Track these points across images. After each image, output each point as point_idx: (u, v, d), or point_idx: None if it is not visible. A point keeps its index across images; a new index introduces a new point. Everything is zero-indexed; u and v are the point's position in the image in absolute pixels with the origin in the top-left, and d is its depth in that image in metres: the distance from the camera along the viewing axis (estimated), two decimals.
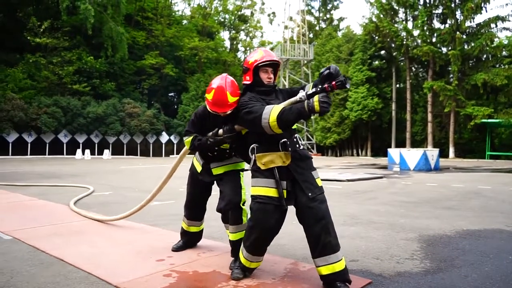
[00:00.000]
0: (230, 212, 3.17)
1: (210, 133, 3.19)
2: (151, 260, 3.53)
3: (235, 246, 3.24)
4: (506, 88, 28.27)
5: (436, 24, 32.49)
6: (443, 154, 27.99)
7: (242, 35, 53.45)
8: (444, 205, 6.95)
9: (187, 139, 3.32)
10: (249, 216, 3.19)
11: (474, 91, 29.94)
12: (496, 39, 29.07)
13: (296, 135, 3.01)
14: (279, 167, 2.85)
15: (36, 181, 11.23)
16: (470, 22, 30.09)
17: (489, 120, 27.95)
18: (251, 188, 2.95)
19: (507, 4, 41.69)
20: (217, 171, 3.39)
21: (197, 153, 3.54)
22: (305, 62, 38.89)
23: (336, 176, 12.45)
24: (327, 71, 2.66)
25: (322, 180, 3.21)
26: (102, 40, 36.00)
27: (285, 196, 2.82)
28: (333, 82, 2.61)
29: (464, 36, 30.08)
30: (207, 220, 4.12)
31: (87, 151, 30.94)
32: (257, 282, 2.98)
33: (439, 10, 31.78)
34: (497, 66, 29.46)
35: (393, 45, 34.29)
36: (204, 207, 3.77)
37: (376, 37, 34.64)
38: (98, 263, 3.43)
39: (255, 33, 53.65)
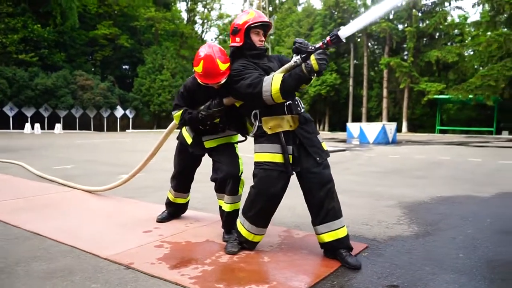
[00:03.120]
0: (227, 182, 3.04)
1: (202, 106, 2.99)
2: (138, 232, 3.35)
3: (229, 218, 3.12)
4: (456, 66, 29.55)
5: None
6: (397, 128, 29.05)
7: (199, 7, 51.88)
8: (412, 174, 7.18)
9: (176, 113, 3.10)
10: (245, 186, 3.10)
11: (427, 68, 31.10)
12: (449, 18, 30.13)
13: (296, 97, 2.89)
14: (284, 131, 2.73)
15: None
16: (426, 0, 30.91)
17: (440, 96, 29.21)
18: (255, 154, 2.81)
19: None
20: (209, 144, 3.21)
21: None
22: None
23: None
24: (297, 44, 2.57)
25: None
26: (50, 7, 33.60)
27: (290, 162, 2.72)
28: (328, 38, 2.50)
29: (420, 14, 30.90)
30: None
31: (37, 125, 29.20)
32: (255, 250, 2.90)
33: None
34: (449, 44, 30.63)
35: (351, 21, 34.56)
36: (192, 178, 3.61)
37: (336, 13, 34.82)
38: (79, 236, 3.21)
39: (213, 5, 52.22)
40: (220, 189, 3.11)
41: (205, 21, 51.44)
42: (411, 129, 33.53)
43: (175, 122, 3.51)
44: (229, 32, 2.94)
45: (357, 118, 35.05)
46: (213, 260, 2.71)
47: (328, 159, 2.83)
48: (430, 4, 31.07)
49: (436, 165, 8.80)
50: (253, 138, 2.89)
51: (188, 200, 3.77)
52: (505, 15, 26.08)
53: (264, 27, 2.89)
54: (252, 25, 2.81)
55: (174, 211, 3.73)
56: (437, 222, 3.80)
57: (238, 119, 3.07)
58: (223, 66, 2.80)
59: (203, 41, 51.28)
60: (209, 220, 3.74)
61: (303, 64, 2.54)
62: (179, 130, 3.53)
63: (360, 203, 4.62)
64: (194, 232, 3.35)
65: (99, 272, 2.52)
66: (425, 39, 31.76)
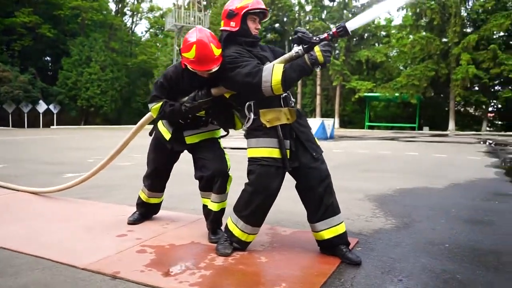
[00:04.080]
0: (215, 180, 2.83)
1: (186, 98, 2.74)
2: (110, 236, 3.01)
3: (216, 217, 2.91)
4: (383, 65, 31.37)
5: (326, 2, 34.25)
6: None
7: None
8: (363, 168, 7.40)
9: (155, 106, 2.81)
10: (232, 183, 2.92)
11: (358, 66, 32.62)
12: (376, 20, 31.83)
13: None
14: (281, 125, 2.58)
15: None
16: (356, 1, 32.40)
17: (369, 94, 30.83)
18: (251, 149, 2.63)
19: None
20: (191, 139, 2.97)
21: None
22: None
23: (234, 144, 12.44)
24: (300, 33, 2.48)
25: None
26: None
27: (288, 157, 2.58)
28: (334, 30, 2.43)
29: (350, 15, 32.25)
30: None
31: None
32: (248, 250, 2.73)
33: None
34: (377, 44, 32.41)
35: (285, 19, 35.27)
36: (168, 177, 3.33)
37: (271, 10, 35.17)
38: (42, 244, 2.81)
39: None
40: (206, 187, 2.89)
41: (135, 13, 49.40)
42: (342, 125, 35.00)
43: (149, 115, 3.23)
44: (223, 15, 2.72)
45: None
46: (207, 264, 2.50)
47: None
48: (359, 6, 32.59)
49: (380, 159, 9.19)
50: (245, 132, 2.70)
51: (162, 200, 3.49)
52: (426, 20, 28.18)
53: (261, 14, 2.72)
54: (251, 11, 2.62)
55: (147, 212, 3.43)
56: (409, 213, 3.90)
57: (226, 111, 2.87)
58: (217, 52, 2.59)
59: (134, 34, 49.24)
60: (185, 220, 3.49)
61: (306, 55, 2.42)
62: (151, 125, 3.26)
63: None
64: (174, 234, 3.09)
65: (80, 285, 2.20)
66: (355, 39, 33.27)
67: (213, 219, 2.91)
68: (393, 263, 2.57)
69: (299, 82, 35.52)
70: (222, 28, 2.71)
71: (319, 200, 2.61)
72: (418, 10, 28.27)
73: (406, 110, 33.70)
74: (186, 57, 2.62)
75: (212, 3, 42.80)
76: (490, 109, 30.61)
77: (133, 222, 3.33)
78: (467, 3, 27.75)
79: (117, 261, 2.51)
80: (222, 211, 2.92)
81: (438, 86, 29.25)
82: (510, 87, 27.11)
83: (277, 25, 37.12)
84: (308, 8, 33.67)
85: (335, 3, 33.38)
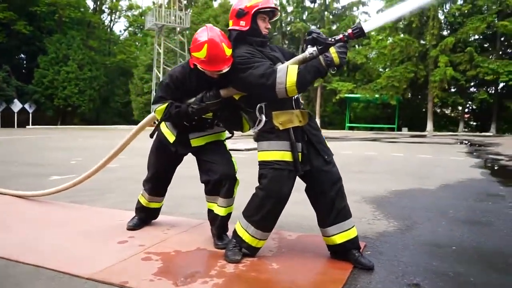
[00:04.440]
0: (223, 184, 2.76)
1: (193, 99, 2.65)
2: (111, 243, 2.89)
3: (223, 222, 2.83)
4: (363, 67, 31.75)
5: (307, 3, 34.39)
6: None
7: None
8: (353, 170, 7.41)
9: (160, 107, 2.72)
10: (239, 187, 2.85)
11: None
12: (357, 21, 32.20)
13: None
14: (294, 127, 2.52)
15: None
16: (337, 3, 32.64)
17: (349, 95, 31.15)
18: (263, 153, 2.56)
19: None
20: (197, 142, 2.88)
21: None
22: (180, 29, 37.53)
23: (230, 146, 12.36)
24: (315, 34, 2.42)
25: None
26: None
27: (300, 160, 2.52)
28: (350, 31, 2.38)
29: (331, 17, 32.56)
30: None
31: None
32: (258, 257, 2.66)
33: None
34: (358, 46, 32.76)
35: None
36: (170, 180, 3.22)
37: None
38: (40, 252, 2.67)
39: None
40: (212, 191, 2.80)
41: (113, 11, 48.53)
42: (323, 126, 35.25)
43: (150, 117, 3.13)
44: (231, 14, 2.63)
45: None
46: (218, 271, 2.41)
47: None
48: (340, 7, 32.88)
49: (368, 160, 9.25)
50: (256, 134, 2.62)
51: (162, 205, 3.37)
52: (405, 22, 28.67)
53: (271, 13, 2.65)
54: (261, 10, 2.55)
55: (147, 216, 3.32)
56: (409, 215, 3.90)
57: (234, 113, 2.79)
58: (228, 52, 2.51)
59: (112, 32, 48.39)
60: (186, 225, 3.39)
61: (321, 57, 2.37)
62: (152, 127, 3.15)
63: None
64: (177, 240, 2.99)
65: None
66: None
67: (220, 224, 2.82)
68: (405, 267, 2.55)
69: None
70: (231, 27, 2.63)
71: (331, 204, 2.56)
72: None
73: (385, 111, 34.22)
74: (197, 57, 2.53)
75: (193, 2, 42.45)
76: (465, 110, 31.39)
77: (133, 227, 3.21)
78: (444, 7, 28.37)
79: (123, 270, 2.40)
80: (229, 215, 2.84)
81: (416, 87, 29.83)
82: (485, 89, 27.89)
83: None
84: (289, 9, 33.75)
85: (316, 4, 33.59)
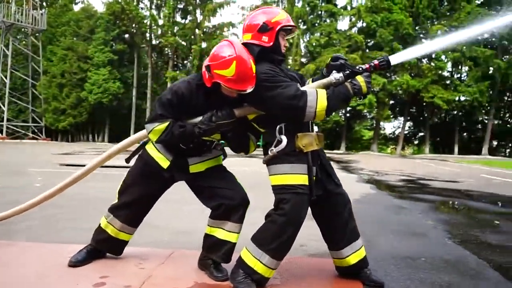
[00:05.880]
0: (239, 209, 2.53)
1: (201, 118, 2.37)
2: (84, 286, 2.33)
3: (231, 249, 2.56)
4: None
5: (178, 18, 34.25)
6: None
7: None
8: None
9: (159, 126, 2.37)
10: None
11: None
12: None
13: None
14: (312, 151, 2.44)
15: None
16: (208, 22, 33.30)
17: None
18: (282, 176, 2.38)
19: (238, 13, 48.68)
20: (196, 168, 2.58)
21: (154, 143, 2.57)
22: (34, 31, 33.43)
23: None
24: (342, 60, 2.41)
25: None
26: None
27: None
28: (376, 62, 2.43)
29: (202, 35, 33.01)
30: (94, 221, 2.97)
31: None
32: (268, 285, 2.46)
33: (182, 6, 33.68)
34: None
35: (135, 31, 33.94)
36: (150, 209, 2.78)
37: (121, 19, 33.38)
38: None
39: None
40: (222, 216, 2.52)
41: None
42: None
43: (137, 137, 2.72)
44: (251, 28, 2.42)
45: (140, 129, 34.11)
46: None
47: None
48: (211, 26, 33.61)
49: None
50: (272, 156, 2.42)
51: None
52: None
53: (289, 31, 2.53)
54: (284, 27, 2.42)
55: (110, 249, 2.80)
56: (362, 231, 4.12)
57: (243, 134, 2.58)
58: (254, 69, 2.31)
59: None
60: (156, 256, 2.93)
61: (348, 84, 2.36)
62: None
63: None
64: (163, 274, 2.57)
65: None
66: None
67: (227, 251, 2.54)
68: (391, 282, 2.64)
69: (148, 96, 34.55)
70: (250, 41, 2.42)
71: (345, 225, 2.55)
72: None
73: None
74: (223, 75, 2.25)
75: (49, 3, 38.25)
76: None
77: (77, 262, 2.64)
78: (304, 37, 31.42)
79: None
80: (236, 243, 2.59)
81: None
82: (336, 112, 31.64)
83: (127, 35, 35.38)
84: (160, 22, 33.11)
85: (187, 21, 33.70)
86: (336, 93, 2.35)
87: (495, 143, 35.88)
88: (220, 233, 2.55)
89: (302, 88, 2.36)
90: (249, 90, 2.29)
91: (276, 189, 2.42)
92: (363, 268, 2.58)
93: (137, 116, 35.21)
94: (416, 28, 29.38)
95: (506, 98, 34.44)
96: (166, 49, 33.50)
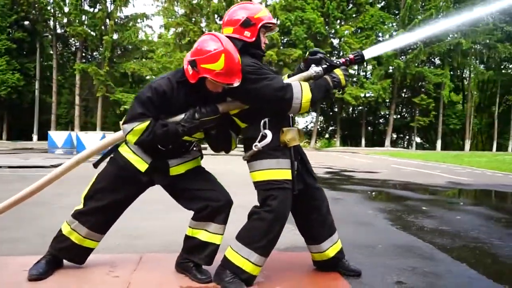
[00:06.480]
0: (225, 210, 2.46)
1: (183, 116, 2.26)
2: None
3: (215, 251, 2.47)
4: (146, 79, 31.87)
5: (86, 7, 32.01)
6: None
7: None
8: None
9: (139, 126, 2.22)
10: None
11: (121, 78, 31.87)
12: (142, 34, 32.09)
13: None
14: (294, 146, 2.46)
15: None
16: (120, 12, 31.63)
17: None
18: (270, 171, 2.36)
19: (152, 4, 46.77)
20: (177, 170, 2.45)
21: (130, 145, 2.39)
22: None
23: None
24: (321, 54, 2.50)
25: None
26: None
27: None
28: (351, 56, 2.55)
29: (114, 25, 31.27)
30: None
31: None
32: (257, 283, 2.44)
33: None
34: (143, 58, 32.58)
35: (36, 18, 31.03)
36: (120, 215, 2.58)
37: (20, 4, 30.17)
38: None
39: None
40: (208, 217, 2.43)
41: None
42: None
43: (111, 139, 2.50)
44: (233, 22, 2.37)
45: (44, 126, 31.42)
46: None
47: None
48: (123, 17, 31.99)
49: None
50: (256, 151, 2.39)
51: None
52: (188, 39, 30.27)
53: (269, 28, 2.51)
54: (266, 24, 2.41)
55: (72, 258, 2.55)
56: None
57: (226, 131, 2.51)
58: (240, 62, 2.26)
59: None
60: (125, 261, 2.73)
61: (328, 77, 2.43)
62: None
63: None
64: (142, 281, 2.41)
65: None
66: (119, 51, 32.45)
67: (211, 253, 2.46)
68: (366, 270, 2.77)
69: (54, 90, 32.01)
70: (232, 35, 2.36)
71: (325, 219, 2.63)
72: (180, 30, 30.12)
73: None
74: (211, 69, 2.16)
75: None
76: None
77: (40, 275, 2.38)
78: (221, 32, 31.38)
79: None
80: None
81: None
82: None
83: (26, 22, 32.08)
84: (66, 9, 30.60)
85: (96, 9, 31.64)
86: (318, 86, 2.40)
87: (394, 136, 39.58)
88: (203, 235, 2.46)
89: (293, 82, 2.38)
90: (236, 83, 2.23)
91: (261, 185, 2.40)
92: (341, 259, 2.68)
93: (42, 111, 32.30)
94: (327, 27, 31.03)
95: (403, 95, 38.09)
96: (73, 39, 31.11)
